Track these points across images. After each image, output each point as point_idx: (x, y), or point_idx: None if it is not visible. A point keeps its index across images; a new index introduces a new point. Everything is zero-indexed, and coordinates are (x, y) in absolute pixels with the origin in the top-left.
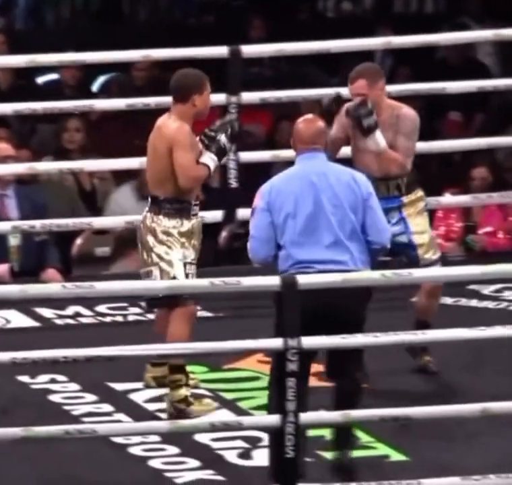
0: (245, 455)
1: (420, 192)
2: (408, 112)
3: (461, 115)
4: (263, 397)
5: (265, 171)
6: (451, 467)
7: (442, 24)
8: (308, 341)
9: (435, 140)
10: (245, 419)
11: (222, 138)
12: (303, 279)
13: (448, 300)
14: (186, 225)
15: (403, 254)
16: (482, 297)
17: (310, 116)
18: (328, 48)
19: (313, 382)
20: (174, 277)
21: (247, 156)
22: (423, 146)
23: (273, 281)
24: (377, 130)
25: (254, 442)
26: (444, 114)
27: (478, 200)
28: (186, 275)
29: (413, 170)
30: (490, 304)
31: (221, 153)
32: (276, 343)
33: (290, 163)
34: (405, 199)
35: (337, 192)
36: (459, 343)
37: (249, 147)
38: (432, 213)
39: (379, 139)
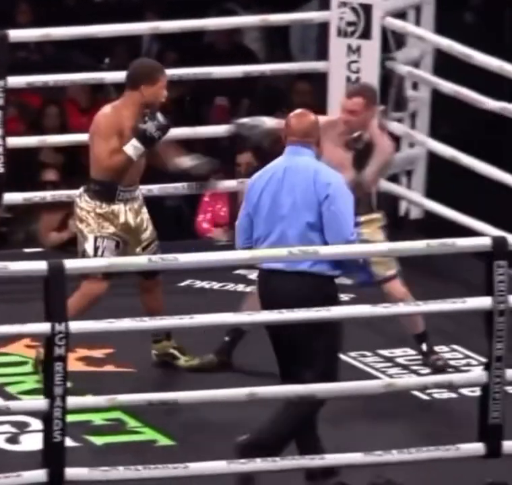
0: (13, 439)
1: (377, 214)
2: (384, 145)
3: (228, 100)
4: (30, 382)
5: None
6: (216, 451)
7: (209, 9)
8: (76, 326)
9: (202, 125)
10: (13, 404)
11: (149, 125)
12: (70, 264)
13: (215, 285)
14: (105, 208)
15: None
16: (249, 282)
17: (302, 110)
18: (95, 32)
19: (80, 367)
20: (84, 252)
21: (14, 141)
22: (189, 131)
23: (40, 265)
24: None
25: (22, 427)
26: (211, 99)
27: (244, 185)
28: (96, 249)
29: (371, 194)
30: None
31: (145, 139)
32: (43, 327)
33: None
34: (361, 218)
35: (295, 190)
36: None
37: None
38: (200, 198)
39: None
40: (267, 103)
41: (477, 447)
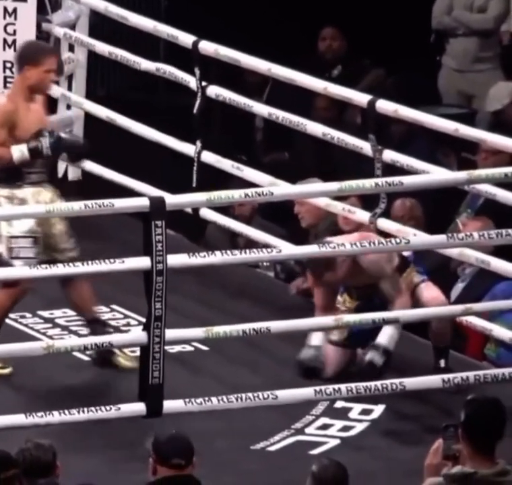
0: None
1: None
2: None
3: None
4: None
5: None
6: None
7: None
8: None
9: None
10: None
11: (43, 141)
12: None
13: None
14: (18, 193)
15: None
16: None
17: None
18: None
19: None
20: None
21: None
22: None
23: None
24: None
25: None
26: None
27: None
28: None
29: None
30: None
31: (34, 152)
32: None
33: None
34: None
35: None
36: None
37: None
38: None
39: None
40: None
41: (138, 407)
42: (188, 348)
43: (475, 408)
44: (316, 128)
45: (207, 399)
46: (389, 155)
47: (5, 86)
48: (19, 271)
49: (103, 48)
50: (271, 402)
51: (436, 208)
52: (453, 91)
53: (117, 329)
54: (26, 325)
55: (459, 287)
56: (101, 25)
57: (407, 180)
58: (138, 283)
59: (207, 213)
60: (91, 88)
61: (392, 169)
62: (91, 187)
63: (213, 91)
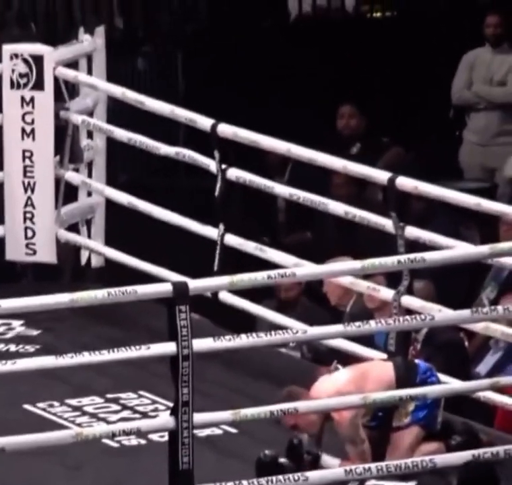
0: None
1: None
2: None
3: None
4: None
5: None
6: None
7: None
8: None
9: None
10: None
11: None
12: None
13: None
14: None
15: None
16: None
17: None
18: None
19: None
20: None
21: None
22: None
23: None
24: None
25: None
26: None
27: None
28: None
29: None
30: None
31: None
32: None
33: None
34: None
35: None
36: None
37: None
38: None
39: None
40: None
41: None
42: (217, 431)
43: (469, 473)
44: (338, 208)
45: (237, 482)
46: (412, 231)
47: (24, 175)
48: (45, 360)
49: (122, 134)
50: (302, 484)
51: (461, 283)
52: (475, 165)
53: (145, 415)
54: (54, 414)
55: (490, 360)
56: (119, 111)
57: (430, 256)
58: (164, 368)
59: (227, 297)
60: (112, 175)
61: (416, 245)
62: (114, 274)
63: (234, 173)
